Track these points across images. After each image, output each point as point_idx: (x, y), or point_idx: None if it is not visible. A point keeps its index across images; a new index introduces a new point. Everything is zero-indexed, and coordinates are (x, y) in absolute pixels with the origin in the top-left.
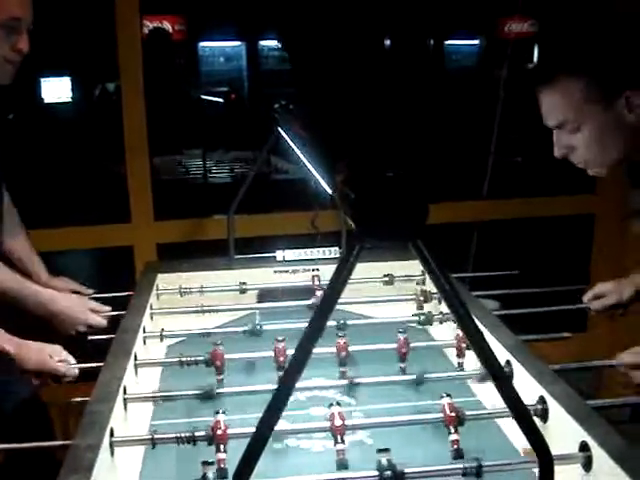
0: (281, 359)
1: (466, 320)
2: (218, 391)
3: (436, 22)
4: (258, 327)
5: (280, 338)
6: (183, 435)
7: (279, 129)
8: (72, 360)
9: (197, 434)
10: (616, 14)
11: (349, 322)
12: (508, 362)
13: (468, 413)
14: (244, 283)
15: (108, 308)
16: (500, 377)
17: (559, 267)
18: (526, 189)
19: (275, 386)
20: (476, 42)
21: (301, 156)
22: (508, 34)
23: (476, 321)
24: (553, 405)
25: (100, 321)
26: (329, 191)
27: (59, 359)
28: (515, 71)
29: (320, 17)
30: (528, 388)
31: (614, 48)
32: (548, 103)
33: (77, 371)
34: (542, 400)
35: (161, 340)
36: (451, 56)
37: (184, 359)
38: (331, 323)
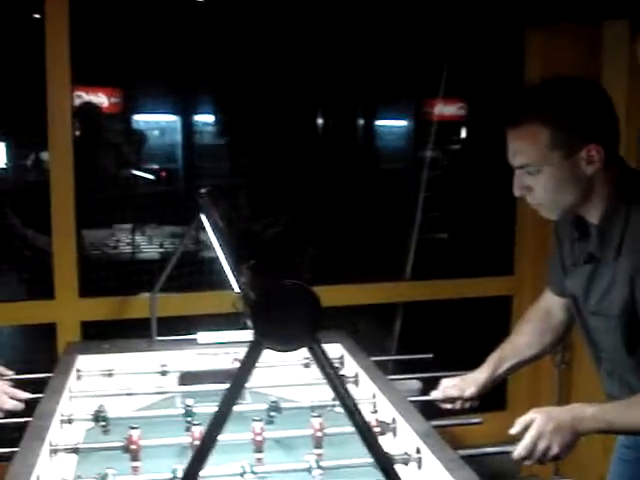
0: (197, 443)
1: (357, 418)
2: (120, 479)
3: (366, 103)
4: (189, 409)
5: (197, 422)
6: None
7: (201, 215)
8: None
9: None
10: (583, 80)
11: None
12: (418, 450)
13: None
14: (165, 365)
15: (25, 395)
16: (390, 474)
17: (478, 349)
18: (450, 268)
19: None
20: (405, 123)
21: (215, 246)
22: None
23: (368, 421)
24: None
25: (16, 405)
26: (235, 288)
27: None
28: (441, 151)
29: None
30: (436, 476)
31: (581, 104)
32: (514, 144)
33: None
34: None
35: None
36: (381, 136)
37: (98, 445)
38: (262, 407)
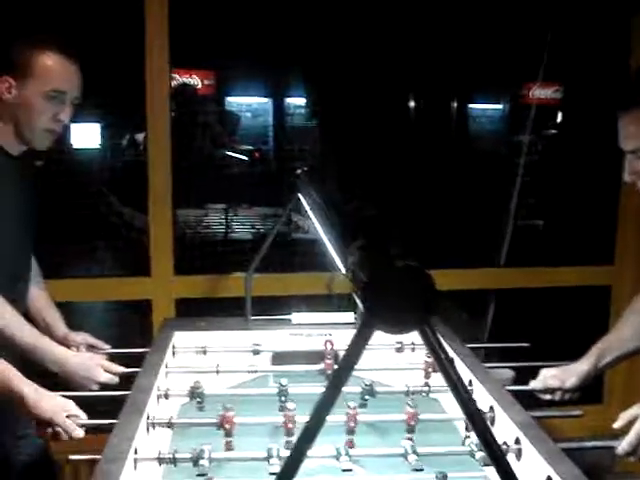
0: (290, 426)
1: (470, 407)
2: (215, 455)
3: (460, 86)
4: (282, 388)
5: (291, 402)
6: None
7: (299, 196)
8: (83, 416)
9: None
10: None
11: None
12: (517, 440)
13: None
14: (258, 344)
15: (120, 369)
16: (501, 463)
17: (575, 339)
18: (545, 256)
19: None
20: (499, 106)
21: (317, 226)
22: (531, 99)
23: (479, 407)
24: None
25: (112, 379)
26: (342, 269)
27: (68, 414)
28: (537, 135)
29: (349, 83)
30: (536, 467)
31: None
32: (626, 128)
33: (83, 433)
34: None
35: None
36: (475, 120)
37: (195, 420)
38: (356, 389)
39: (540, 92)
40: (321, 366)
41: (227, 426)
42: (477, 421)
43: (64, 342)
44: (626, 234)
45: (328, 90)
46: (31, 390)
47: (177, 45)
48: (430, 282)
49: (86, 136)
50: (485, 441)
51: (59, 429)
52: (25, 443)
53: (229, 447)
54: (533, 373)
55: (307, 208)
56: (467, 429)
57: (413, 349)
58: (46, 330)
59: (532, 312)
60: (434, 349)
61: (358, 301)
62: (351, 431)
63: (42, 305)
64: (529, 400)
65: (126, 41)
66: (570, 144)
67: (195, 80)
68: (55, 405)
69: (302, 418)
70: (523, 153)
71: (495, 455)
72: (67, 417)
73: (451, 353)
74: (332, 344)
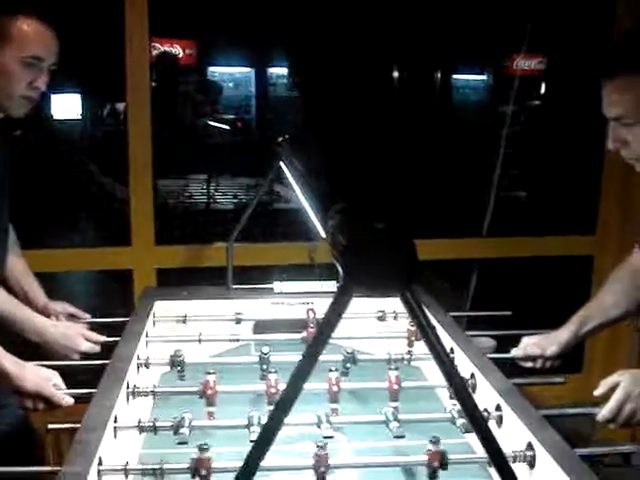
0: (272, 391)
1: (452, 374)
2: (195, 423)
3: (444, 56)
4: (264, 357)
5: (272, 370)
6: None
7: (280, 163)
8: (63, 387)
9: (181, 466)
10: None
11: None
12: (498, 407)
13: (453, 457)
14: (240, 313)
15: (101, 338)
16: (482, 430)
17: (557, 308)
18: (528, 226)
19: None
20: (483, 77)
21: (299, 193)
22: (515, 70)
23: (461, 374)
24: (540, 452)
25: (92, 347)
26: (321, 233)
27: (52, 384)
28: (520, 107)
29: (329, 50)
30: (517, 434)
31: None
32: (609, 95)
33: (72, 400)
34: (530, 446)
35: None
36: (459, 90)
37: (175, 389)
38: (338, 357)
39: (524, 63)
40: (303, 334)
41: (209, 392)
42: (459, 388)
43: (44, 312)
44: (608, 204)
45: (310, 60)
46: (13, 363)
47: (158, 14)
48: (412, 246)
49: (66, 107)
50: (466, 408)
51: (43, 400)
52: (5, 413)
53: (211, 417)
54: (514, 342)
55: (288, 175)
56: (450, 397)
57: (395, 317)
58: (25, 300)
59: (514, 282)
60: (416, 315)
61: (337, 265)
62: (334, 399)
63: (21, 274)
64: (510, 368)
65: (106, 10)
66: (553, 115)
67: (176, 49)
68: (40, 377)
69: (284, 386)
70: (506, 124)
71: (477, 422)
72: None
73: (433, 321)
74: (314, 312)
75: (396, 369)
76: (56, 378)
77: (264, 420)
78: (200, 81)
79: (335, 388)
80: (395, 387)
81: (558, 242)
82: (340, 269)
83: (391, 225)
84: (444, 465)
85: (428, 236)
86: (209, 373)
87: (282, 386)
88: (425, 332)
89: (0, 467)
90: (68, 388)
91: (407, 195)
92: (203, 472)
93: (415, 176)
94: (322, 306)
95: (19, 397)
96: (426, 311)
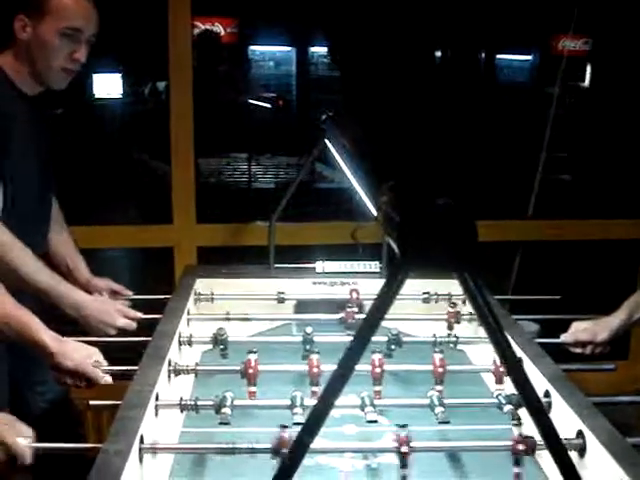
0: (315, 371)
1: (510, 358)
2: (237, 403)
3: (488, 35)
4: (307, 337)
5: (316, 350)
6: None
7: (325, 140)
8: (105, 364)
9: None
10: None
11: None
12: (547, 393)
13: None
14: (282, 293)
15: (138, 314)
16: (539, 412)
17: (604, 293)
18: (575, 209)
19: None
20: (528, 57)
21: (346, 171)
22: (561, 51)
23: (518, 357)
24: (591, 440)
25: (129, 324)
26: (373, 211)
27: (93, 362)
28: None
29: (371, 29)
30: (567, 421)
31: None
32: None
33: (111, 379)
34: (580, 434)
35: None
36: (502, 70)
37: (217, 367)
38: (382, 339)
39: (569, 43)
40: (342, 315)
41: (251, 371)
42: (515, 371)
43: (87, 288)
44: None
45: (351, 39)
46: (54, 339)
47: None
48: (473, 224)
49: (108, 86)
50: (523, 391)
51: (83, 378)
52: (45, 389)
53: (252, 397)
54: (558, 326)
55: (334, 153)
56: (497, 382)
57: (437, 300)
58: (69, 275)
59: (559, 266)
60: (474, 296)
61: (391, 243)
62: (377, 382)
63: (65, 250)
64: (556, 354)
65: None
66: (599, 97)
67: (218, 28)
68: (81, 355)
69: (327, 367)
70: (553, 105)
71: (534, 407)
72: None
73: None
74: (358, 293)
75: (441, 352)
76: (97, 355)
77: (307, 401)
78: (241, 59)
79: (378, 370)
80: (440, 370)
81: (606, 225)
82: (395, 247)
83: (452, 201)
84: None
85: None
86: (251, 352)
87: (325, 367)
88: (483, 314)
89: (41, 443)
90: (107, 365)
91: (465, 171)
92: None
93: (466, 154)
94: (365, 287)
95: (57, 373)
96: (486, 292)
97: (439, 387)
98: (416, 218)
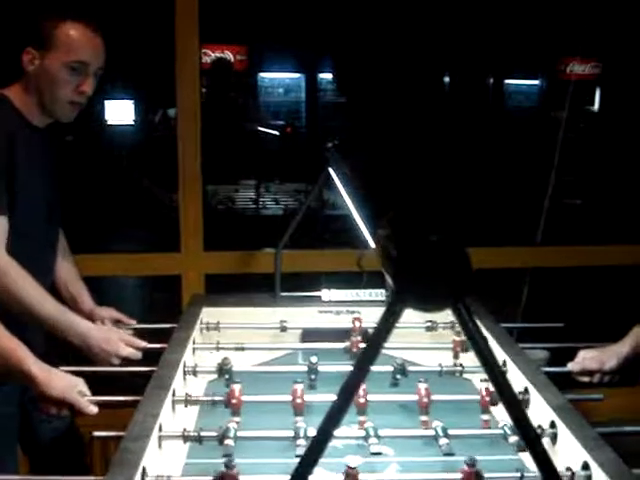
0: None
1: (505, 389)
2: (241, 434)
3: (496, 60)
4: (312, 367)
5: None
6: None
7: (329, 169)
8: (89, 394)
9: None
10: None
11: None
12: (553, 424)
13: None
14: (285, 321)
15: (143, 343)
16: (536, 448)
17: (611, 321)
18: (585, 234)
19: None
20: (536, 82)
21: (347, 201)
22: (569, 75)
23: (514, 389)
24: (597, 472)
25: (134, 353)
26: (370, 242)
27: (77, 391)
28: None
29: (376, 58)
30: (572, 453)
31: None
32: None
33: (97, 409)
34: (586, 466)
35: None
36: (510, 95)
37: (217, 398)
38: (388, 369)
39: (578, 67)
40: (347, 344)
41: (233, 401)
42: (512, 404)
43: (90, 316)
44: None
45: (357, 67)
46: (40, 369)
47: (209, 20)
48: (466, 258)
49: (120, 112)
50: (519, 424)
51: (67, 407)
52: (53, 418)
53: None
54: (568, 354)
55: (337, 181)
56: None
57: (435, 328)
58: (72, 303)
59: (568, 292)
60: (468, 329)
61: (387, 277)
62: (362, 411)
63: (69, 278)
64: (562, 382)
65: (158, 18)
66: (609, 121)
67: (228, 55)
68: (65, 384)
69: (331, 397)
70: (561, 129)
71: (530, 439)
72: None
73: (484, 332)
74: (360, 321)
75: (426, 381)
76: (81, 385)
77: (310, 432)
78: (250, 87)
79: (362, 400)
80: (425, 400)
81: (614, 251)
82: (390, 282)
83: (446, 237)
84: None
85: (480, 244)
86: (235, 382)
87: (328, 396)
88: (478, 346)
89: (45, 476)
90: (116, 395)
91: (461, 204)
92: None
93: (468, 183)
94: (370, 315)
95: (43, 403)
96: (478, 323)
97: (424, 417)
98: (410, 256)
